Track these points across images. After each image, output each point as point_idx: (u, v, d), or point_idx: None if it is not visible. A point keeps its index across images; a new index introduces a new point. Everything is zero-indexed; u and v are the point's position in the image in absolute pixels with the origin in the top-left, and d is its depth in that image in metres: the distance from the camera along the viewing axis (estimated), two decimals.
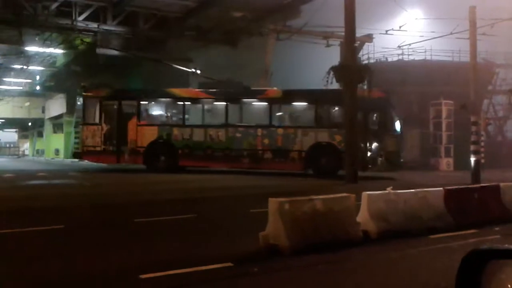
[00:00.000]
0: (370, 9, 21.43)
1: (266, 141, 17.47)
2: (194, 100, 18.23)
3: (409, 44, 23.15)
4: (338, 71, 15.00)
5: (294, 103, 18.27)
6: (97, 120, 18.32)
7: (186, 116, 18.40)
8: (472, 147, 16.25)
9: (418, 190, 7.65)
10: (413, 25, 21.74)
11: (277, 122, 17.95)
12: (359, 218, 6.68)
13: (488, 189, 8.62)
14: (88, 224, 7.68)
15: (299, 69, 32.17)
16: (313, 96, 17.53)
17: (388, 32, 21.62)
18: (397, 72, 28.09)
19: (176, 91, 18.71)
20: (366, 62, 26.77)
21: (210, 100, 18.18)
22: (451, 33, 18.62)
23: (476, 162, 15.95)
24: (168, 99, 18.73)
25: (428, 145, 25.53)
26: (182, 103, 18.38)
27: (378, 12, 24.56)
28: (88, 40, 24.33)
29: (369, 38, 24.59)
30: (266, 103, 17.80)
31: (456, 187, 8.39)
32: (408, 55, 29.52)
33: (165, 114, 18.94)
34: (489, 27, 17.34)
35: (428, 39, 21.74)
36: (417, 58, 29.35)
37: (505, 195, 8.49)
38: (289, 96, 17.88)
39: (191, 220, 7.99)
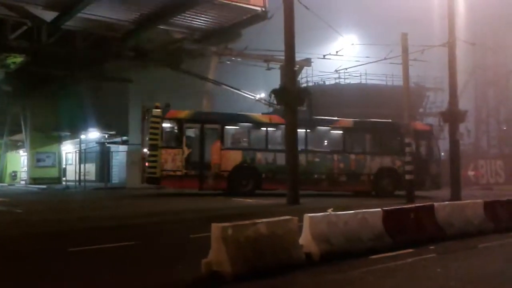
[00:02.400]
0: (308, 34, 22.11)
1: (341, 165, 19.01)
2: (276, 126, 18.61)
3: (346, 68, 23.98)
4: (279, 94, 15.24)
5: (362, 132, 20.09)
6: (177, 144, 17.62)
7: (269, 140, 18.81)
8: (406, 167, 16.96)
9: (357, 211, 7.77)
10: (349, 50, 22.60)
11: (349, 149, 19.46)
12: (301, 241, 6.70)
13: (423, 209, 8.92)
14: (13, 256, 7.13)
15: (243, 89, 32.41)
16: (378, 126, 19.96)
17: (326, 57, 22.32)
18: (334, 95, 29.08)
19: (259, 116, 19.46)
20: (305, 85, 27.47)
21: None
22: (385, 58, 19.53)
23: (410, 181, 16.61)
24: (251, 124, 18.85)
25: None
26: (265, 128, 18.81)
27: (316, 37, 25.38)
28: (20, 59, 23.21)
29: (307, 62, 25.29)
30: (340, 131, 19.51)
31: (394, 207, 8.63)
32: (345, 78, 30.74)
33: (249, 139, 19.01)
34: (420, 52, 18.36)
35: (363, 64, 22.65)
36: (353, 81, 30.62)
37: (438, 214, 8.85)
38: (358, 125, 19.86)
39: (129, 248, 7.66)
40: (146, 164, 17.31)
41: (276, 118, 18.49)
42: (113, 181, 28.52)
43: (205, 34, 22.43)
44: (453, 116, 17.53)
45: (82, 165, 27.73)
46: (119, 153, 28.66)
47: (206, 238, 5.94)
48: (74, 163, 28.97)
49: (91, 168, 31.00)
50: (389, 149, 19.73)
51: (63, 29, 20.86)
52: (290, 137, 15.04)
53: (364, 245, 7.27)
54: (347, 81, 31.44)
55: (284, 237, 6.30)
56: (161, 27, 21.24)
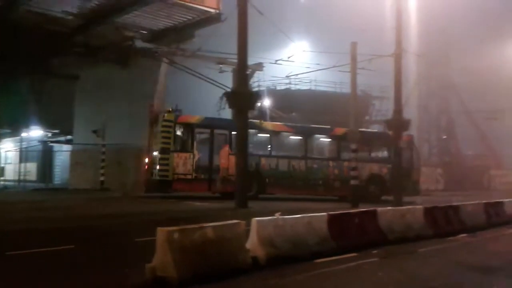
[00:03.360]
0: (261, 38, 22.26)
1: (336, 171, 19.99)
2: (278, 133, 19.68)
3: (296, 74, 24.39)
4: (230, 97, 15.24)
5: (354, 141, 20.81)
6: (188, 148, 17.97)
7: (273, 147, 19.66)
8: (352, 173, 17.44)
9: (304, 215, 7.88)
10: (300, 56, 23.00)
11: (343, 156, 20.22)
12: (248, 245, 6.71)
13: (367, 214, 9.19)
14: None
15: (194, 92, 32.15)
16: (367, 136, 20.82)
17: (277, 62, 22.60)
18: (285, 100, 29.45)
19: (264, 123, 20.17)
20: (256, 89, 27.65)
21: (291, 133, 20.12)
22: (334, 66, 20.05)
23: (355, 187, 17.09)
24: (256, 130, 19.20)
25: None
26: (268, 134, 19.55)
27: (268, 42, 25.60)
28: None
29: (260, 66, 25.49)
30: (335, 140, 20.42)
31: (339, 212, 8.81)
32: (295, 84, 31.18)
33: (255, 144, 19.30)
34: (367, 61, 18.96)
35: (314, 70, 23.13)
36: (303, 87, 31.12)
37: (381, 219, 9.14)
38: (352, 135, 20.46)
39: (70, 252, 7.37)
40: (158, 167, 17.48)
41: (280, 126, 19.93)
42: (55, 182, 27.45)
43: (157, 33, 22.08)
44: (397, 125, 18.20)
45: (22, 164, 26.50)
46: (63, 153, 27.65)
47: (151, 242, 5.83)
48: (14, 162, 27.64)
49: (32, 168, 29.67)
50: (377, 157, 21.22)
51: (6, 21, 19.87)
52: (241, 140, 15.07)
53: (309, 249, 7.38)
54: (298, 87, 31.96)
55: (231, 241, 6.28)
56: (112, 24, 20.72)
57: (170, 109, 17.60)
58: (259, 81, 31.36)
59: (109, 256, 7.24)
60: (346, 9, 33.81)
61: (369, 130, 21.89)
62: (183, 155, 17.77)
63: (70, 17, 20.03)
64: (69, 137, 27.59)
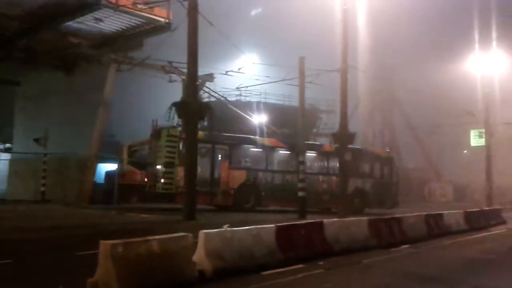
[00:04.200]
0: (212, 49, 22.25)
1: (325, 185, 21.11)
2: (273, 149, 20.51)
3: (247, 86, 24.52)
4: (180, 108, 15.07)
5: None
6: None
7: (268, 161, 20.46)
8: (299, 185, 17.67)
9: (252, 227, 7.86)
10: (251, 68, 23.18)
11: (331, 171, 21.52)
12: (195, 258, 6.61)
13: (314, 225, 9.30)
14: None
15: (143, 101, 31.58)
16: (354, 153, 21.17)
17: (228, 73, 22.65)
18: (235, 112, 29.48)
19: (261, 139, 20.82)
20: (207, 100, 27.54)
21: (284, 149, 20.96)
22: (283, 80, 20.34)
23: (302, 199, 17.32)
24: (253, 145, 20.21)
25: None
26: (265, 150, 20.36)
27: (219, 54, 25.65)
28: None
29: (210, 77, 25.43)
30: (324, 156, 21.71)
31: (286, 223, 8.87)
32: (246, 96, 31.34)
33: (252, 159, 20.32)
34: (315, 76, 19.36)
35: (263, 83, 23.36)
36: (253, 99, 31.33)
37: (327, 231, 9.28)
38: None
39: (6, 267, 6.96)
40: (162, 180, 17.93)
41: (274, 142, 20.77)
42: None
43: (104, 40, 21.55)
44: (343, 138, 18.65)
45: None
46: (1, 162, 26.24)
47: (94, 256, 5.61)
48: None
49: None
50: (360, 172, 22.40)
51: None
52: (189, 151, 14.91)
53: (257, 261, 7.36)
54: (248, 98, 32.12)
55: (178, 254, 6.16)
56: (57, 29, 20.03)
57: (175, 125, 18.30)
58: (209, 91, 31.26)
59: (48, 270, 6.89)
60: (295, 23, 34.55)
61: (354, 147, 22.17)
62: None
63: (10, 21, 19.17)
64: (8, 145, 26.26)
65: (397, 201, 23.09)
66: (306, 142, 20.96)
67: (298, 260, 7.89)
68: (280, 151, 21.26)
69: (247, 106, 30.24)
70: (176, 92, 23.18)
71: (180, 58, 17.37)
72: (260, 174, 19.99)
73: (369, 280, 7.32)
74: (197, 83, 16.51)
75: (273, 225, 8.10)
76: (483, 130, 30.23)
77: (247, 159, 20.47)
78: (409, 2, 34.78)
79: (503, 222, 17.73)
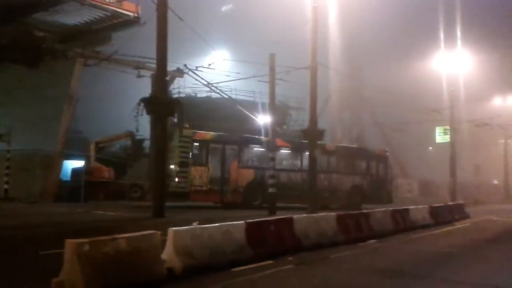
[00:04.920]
0: (182, 45, 22.07)
1: (326, 183, 21.84)
2: (278, 148, 20.35)
3: (217, 83, 24.35)
4: (149, 104, 14.85)
5: (341, 156, 23.14)
6: (204, 162, 19.26)
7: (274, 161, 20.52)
8: (269, 181, 17.73)
9: (222, 224, 7.85)
10: (221, 64, 23.04)
11: (330, 169, 22.49)
12: (164, 255, 6.54)
13: (283, 221, 9.35)
14: None
15: (111, 97, 31.01)
16: (350, 150, 24.06)
17: (198, 69, 22.44)
18: (205, 108, 29.36)
19: (266, 139, 20.16)
20: (176, 96, 27.30)
21: (289, 149, 21.84)
22: (254, 76, 20.32)
23: (273, 195, 17.39)
24: (260, 145, 20.46)
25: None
26: (271, 150, 20.02)
27: (190, 49, 25.45)
28: None
29: (180, 72, 25.13)
30: (326, 155, 22.07)
31: (256, 220, 8.88)
32: (216, 92, 31.10)
33: (259, 159, 20.82)
34: (285, 73, 19.43)
35: (234, 80, 23.26)
36: (224, 96, 31.10)
37: (296, 226, 9.35)
38: (339, 150, 23.60)
39: None
40: (176, 179, 18.53)
41: (279, 141, 20.86)
42: None
43: (71, 35, 21.04)
44: (312, 134, 18.81)
45: None
46: None
47: (59, 255, 5.47)
48: None
49: None
50: (358, 170, 23.64)
51: None
52: (158, 147, 14.73)
53: (227, 257, 7.35)
54: (219, 95, 31.93)
55: (146, 252, 6.08)
56: (21, 23, 19.41)
57: (187, 125, 18.77)
58: (179, 87, 31.04)
59: (11, 271, 6.68)
60: (266, 20, 34.60)
61: (350, 146, 24.88)
62: (200, 168, 19.11)
63: None
64: None
65: (392, 197, 24.07)
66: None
67: (268, 256, 7.92)
68: (285, 151, 21.88)
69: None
70: (145, 87, 22.85)
71: (150, 53, 17.13)
72: (266, 173, 19.93)
73: (337, 275, 7.42)
74: (167, 78, 16.31)
75: (243, 222, 8.10)
76: (448, 127, 31.05)
77: (254, 159, 21.08)
78: (378, 1, 35.35)
79: (467, 217, 18.28)
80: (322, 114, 22.69)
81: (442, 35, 33.26)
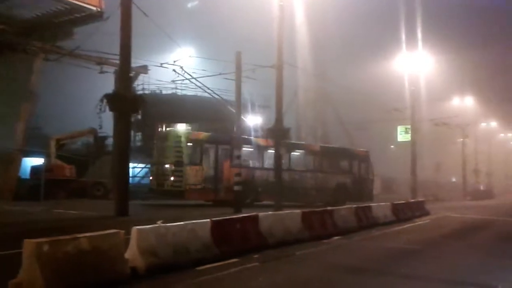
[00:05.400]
0: (147, 41, 21.69)
1: (312, 182, 22.93)
2: (268, 148, 21.14)
3: (182, 80, 24.11)
4: (112, 100, 14.55)
5: (326, 156, 24.45)
6: (198, 161, 19.64)
7: (264, 160, 21.70)
8: (235, 179, 17.73)
9: (187, 222, 7.78)
10: (187, 61, 22.82)
11: (318, 168, 23.68)
12: (128, 255, 6.42)
13: (249, 219, 9.35)
14: None
15: (73, 93, 30.21)
16: (337, 152, 25.27)
17: (163, 65, 22.15)
18: (170, 106, 29.03)
19: (258, 140, 21.52)
20: (141, 92, 26.86)
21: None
22: (220, 74, 20.23)
23: (238, 192, 17.40)
24: (251, 145, 20.94)
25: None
26: (261, 150, 21.55)
27: (154, 45, 25.06)
28: None
29: (144, 69, 24.77)
30: (312, 154, 23.78)
31: (222, 218, 8.84)
32: (182, 90, 30.84)
33: (249, 158, 21.27)
34: (251, 71, 19.44)
35: (200, 77, 23.07)
36: (189, 93, 30.91)
37: (262, 224, 9.38)
38: (324, 150, 24.84)
39: None
40: (172, 178, 18.88)
41: (268, 142, 21.11)
42: None
43: (31, 28, 20.32)
44: (278, 133, 18.91)
45: None
46: None
47: (17, 256, 5.29)
48: None
49: None
50: (342, 169, 24.69)
51: None
52: (121, 145, 14.46)
53: (191, 256, 7.29)
54: (184, 92, 31.63)
55: (109, 252, 5.96)
56: None
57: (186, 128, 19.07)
58: (143, 84, 30.52)
59: None
60: (233, 17, 34.50)
61: (335, 146, 25.79)
62: (194, 167, 19.47)
63: None
64: None
65: (372, 195, 25.04)
66: (297, 142, 24.30)
67: (233, 254, 7.91)
68: (273, 150, 21.95)
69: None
70: (108, 84, 22.37)
71: (113, 49, 16.77)
72: (257, 172, 21.30)
73: (302, 272, 7.48)
74: (130, 74, 16.02)
75: (208, 220, 8.05)
76: (409, 126, 31.87)
77: (245, 158, 21.27)
78: (342, 2, 35.81)
79: (427, 213, 18.84)
80: (287, 112, 22.98)
81: (403, 37, 34.08)
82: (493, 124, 56.89)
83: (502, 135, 62.65)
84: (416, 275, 7.45)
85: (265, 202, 20.40)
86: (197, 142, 19.97)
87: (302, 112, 42.81)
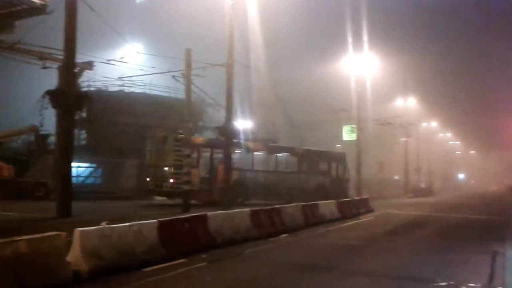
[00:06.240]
0: (92, 36, 21.00)
1: (294, 182, 23.96)
2: (257, 151, 22.71)
3: (130, 76, 23.61)
4: (55, 97, 13.97)
5: (308, 158, 25.55)
6: (195, 164, 19.91)
7: (253, 162, 22.75)
8: (184, 178, 17.54)
9: (132, 223, 7.60)
10: (135, 58, 22.34)
11: (300, 170, 25.05)
12: (70, 258, 6.21)
13: (197, 219, 9.28)
14: None
15: (13, 89, 28.85)
16: (318, 154, 26.30)
17: (110, 62, 21.57)
18: (117, 103, 28.27)
19: (247, 143, 22.57)
20: (86, 89, 25.99)
21: (266, 152, 23.79)
22: (169, 71, 19.95)
23: (186, 192, 17.24)
24: (241, 149, 21.88)
25: (144, 176, 26.23)
26: (251, 153, 22.66)
27: (101, 41, 24.32)
28: None
29: (89, 65, 24.03)
30: (296, 156, 24.98)
31: (169, 218, 8.72)
32: (129, 86, 30.12)
33: (241, 161, 22.34)
34: (202, 69, 19.30)
35: (148, 74, 22.69)
36: (137, 90, 30.24)
37: (211, 223, 9.33)
38: (307, 153, 25.59)
39: None
40: (171, 180, 19.11)
41: (258, 145, 23.27)
42: None
43: None
44: (228, 132, 18.89)
45: None
46: None
47: None
48: None
49: None
50: (321, 171, 26.02)
51: None
52: (64, 143, 13.94)
53: (138, 258, 7.15)
54: (132, 89, 30.88)
55: (49, 255, 5.73)
56: None
57: (181, 131, 19.04)
58: (89, 80, 29.55)
59: None
60: (183, 14, 34.02)
61: (315, 149, 26.57)
62: (192, 170, 19.19)
63: None
64: None
65: (348, 193, 26.38)
66: (283, 145, 25.64)
67: (181, 254, 7.82)
68: (263, 154, 23.75)
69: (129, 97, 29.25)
70: (51, 80, 21.51)
71: (57, 43, 16.13)
72: (248, 173, 22.27)
73: (251, 271, 7.52)
74: (75, 70, 15.46)
75: (155, 221, 7.92)
76: (355, 126, 32.76)
77: (236, 160, 22.21)
78: (295, 3, 36.23)
79: (371, 210, 19.45)
80: (238, 112, 23.19)
81: (350, 39, 34.90)
82: (434, 124, 59.62)
83: (441, 134, 65.79)
84: (361, 271, 7.67)
85: (254, 201, 21.04)
86: (194, 147, 20.02)
87: (253, 112, 42.96)
